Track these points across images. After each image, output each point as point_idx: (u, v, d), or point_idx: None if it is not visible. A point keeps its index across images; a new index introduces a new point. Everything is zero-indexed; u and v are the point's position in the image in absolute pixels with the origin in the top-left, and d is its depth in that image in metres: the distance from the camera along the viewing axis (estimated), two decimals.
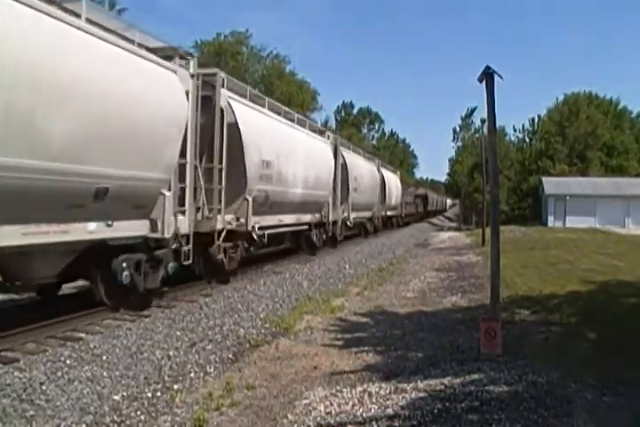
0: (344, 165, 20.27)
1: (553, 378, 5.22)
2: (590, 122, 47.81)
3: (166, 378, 5.74)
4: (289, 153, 13.85)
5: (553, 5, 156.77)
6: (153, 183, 8.20)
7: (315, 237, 17.27)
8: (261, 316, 8.72)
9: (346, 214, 20.62)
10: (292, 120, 15.54)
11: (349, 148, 23.32)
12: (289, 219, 14.50)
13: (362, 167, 23.86)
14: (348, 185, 20.58)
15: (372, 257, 18.42)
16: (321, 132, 19.26)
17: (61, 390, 5.14)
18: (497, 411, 4.45)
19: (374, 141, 76.10)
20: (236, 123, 10.92)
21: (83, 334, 7.16)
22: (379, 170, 28.56)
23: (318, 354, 6.62)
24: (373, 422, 4.41)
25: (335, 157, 19.11)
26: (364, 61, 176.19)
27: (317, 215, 17.15)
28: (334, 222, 19.27)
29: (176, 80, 8.91)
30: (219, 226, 10.43)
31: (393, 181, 33.22)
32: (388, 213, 31.70)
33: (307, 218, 16.15)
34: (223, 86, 10.77)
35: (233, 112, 10.94)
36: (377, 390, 5.17)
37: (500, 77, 6.39)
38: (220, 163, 10.54)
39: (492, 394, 4.83)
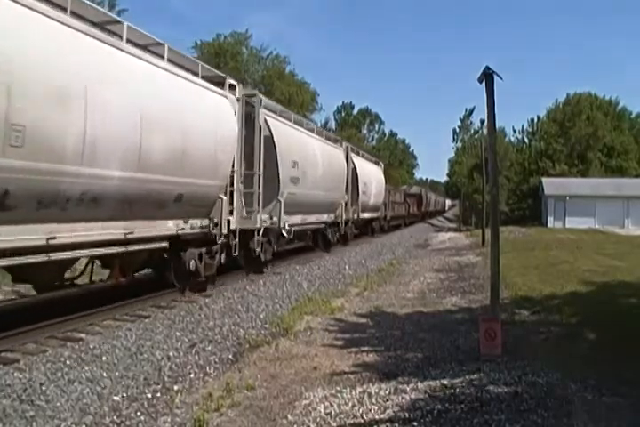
0: (270, 140, 12.43)
1: (553, 379, 5.23)
2: (591, 123, 47.89)
3: (166, 379, 5.74)
4: (72, 91, 6.34)
5: (552, 6, 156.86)
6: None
7: (192, 264, 9.44)
8: (261, 316, 8.72)
9: (275, 219, 12.73)
10: (117, 33, 7.77)
11: (290, 119, 15.03)
12: (96, 232, 7.15)
13: (309, 147, 15.78)
14: (278, 173, 12.83)
15: (372, 257, 18.42)
16: (216, 83, 10.47)
17: (61, 390, 5.14)
18: (497, 412, 4.45)
19: (374, 142, 76.13)
20: None
21: (83, 335, 7.15)
22: (348, 157, 20.94)
23: (318, 355, 6.62)
24: (373, 423, 4.41)
25: (246, 122, 11.44)
26: (365, 62, 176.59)
27: (197, 223, 9.45)
28: (242, 232, 11.20)
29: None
30: None
31: (373, 174, 26.01)
32: (365, 215, 24.10)
33: (158, 228, 8.48)
34: None
35: None
36: (377, 390, 5.17)
37: (500, 78, 6.41)
38: None
39: (491, 395, 4.84)
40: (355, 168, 21.85)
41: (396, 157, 77.79)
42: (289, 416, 4.72)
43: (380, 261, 17.63)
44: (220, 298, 9.99)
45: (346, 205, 20.57)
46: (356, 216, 22.16)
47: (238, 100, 11.21)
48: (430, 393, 4.98)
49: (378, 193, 26.37)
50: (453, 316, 8.84)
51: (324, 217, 17.86)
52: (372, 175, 25.41)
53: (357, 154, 24.10)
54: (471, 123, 56.80)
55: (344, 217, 20.34)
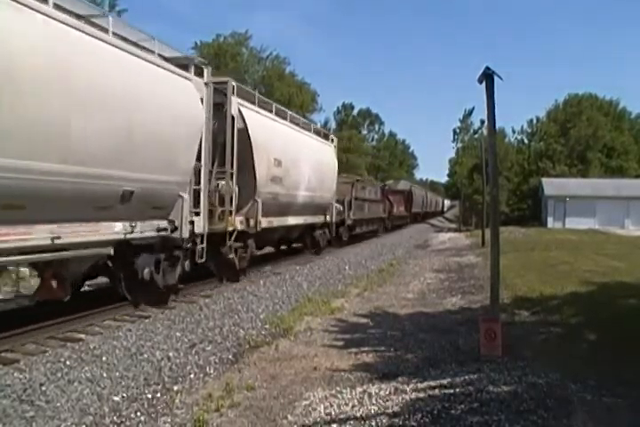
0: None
1: (553, 379, 5.22)
2: (591, 123, 47.98)
3: (166, 379, 5.74)
4: None
5: (552, 5, 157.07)
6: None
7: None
8: (261, 317, 8.72)
9: None
10: None
11: None
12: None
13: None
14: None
15: (372, 258, 18.43)
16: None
17: (61, 390, 5.14)
18: (496, 412, 4.45)
19: (374, 142, 76.13)
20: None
21: (83, 335, 7.16)
22: (226, 105, 10.71)
23: (318, 355, 6.62)
24: (373, 424, 4.41)
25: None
26: (365, 62, 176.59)
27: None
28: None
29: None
30: None
31: (306, 150, 15.45)
32: (291, 220, 14.60)
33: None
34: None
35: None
36: (377, 391, 5.17)
37: (500, 78, 6.41)
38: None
39: (491, 395, 4.83)
40: (246, 129, 11.39)
41: (396, 158, 77.87)
42: (289, 417, 4.72)
43: (380, 261, 17.64)
44: (219, 298, 10.00)
45: (229, 201, 10.79)
46: (251, 224, 11.83)
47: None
48: (430, 393, 4.98)
49: (321, 185, 16.61)
50: (453, 316, 8.84)
51: (141, 229, 8.04)
52: (302, 151, 15.04)
53: (272, 112, 13.41)
54: (471, 123, 56.73)
55: (202, 228, 9.77)
